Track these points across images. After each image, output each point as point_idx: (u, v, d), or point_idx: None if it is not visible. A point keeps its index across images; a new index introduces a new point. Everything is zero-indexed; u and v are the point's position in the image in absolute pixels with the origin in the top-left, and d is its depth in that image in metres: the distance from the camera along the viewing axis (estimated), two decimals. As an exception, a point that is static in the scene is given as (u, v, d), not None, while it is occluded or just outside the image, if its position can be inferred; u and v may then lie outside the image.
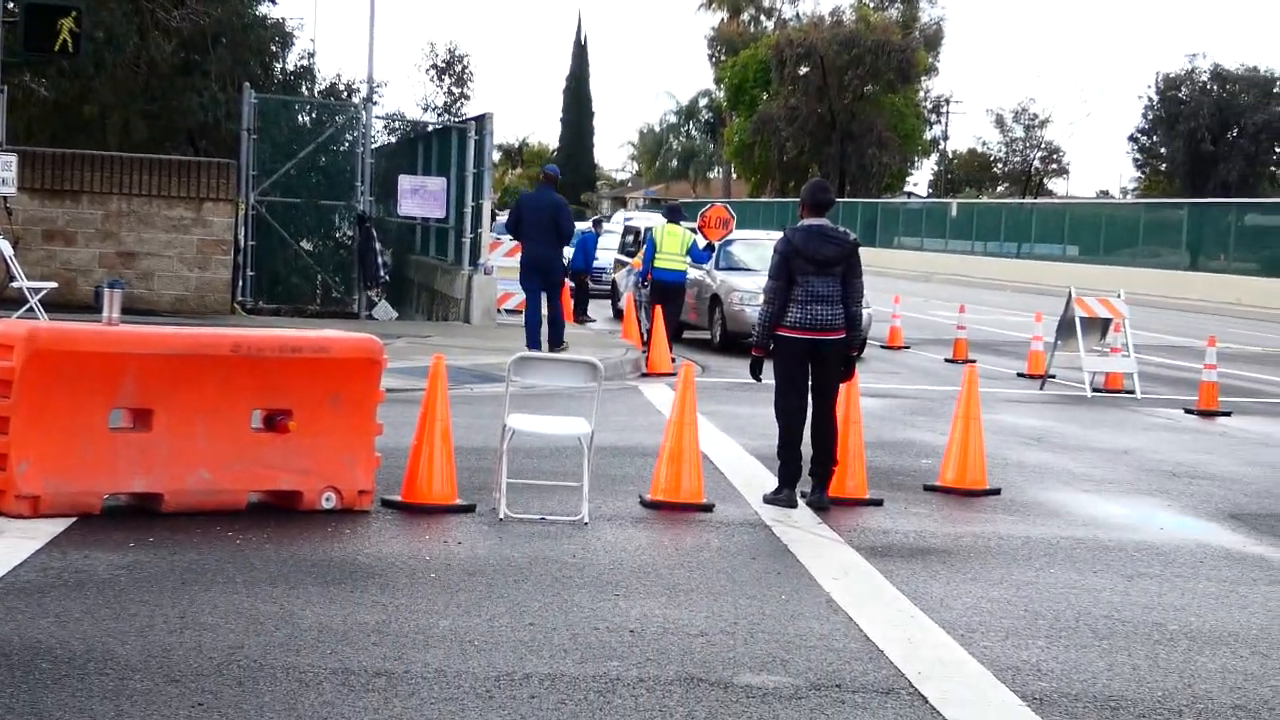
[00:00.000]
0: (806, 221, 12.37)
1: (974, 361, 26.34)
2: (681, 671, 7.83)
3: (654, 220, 32.64)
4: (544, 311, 22.73)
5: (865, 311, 12.40)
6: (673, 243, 24.79)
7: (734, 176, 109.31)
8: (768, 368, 12.58)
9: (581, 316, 32.67)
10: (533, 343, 22.34)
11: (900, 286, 48.26)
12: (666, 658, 8.06)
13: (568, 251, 27.14)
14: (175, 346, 10.88)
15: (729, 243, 29.05)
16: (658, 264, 24.76)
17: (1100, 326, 22.94)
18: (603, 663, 7.91)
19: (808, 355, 12.26)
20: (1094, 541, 11.73)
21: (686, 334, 27.62)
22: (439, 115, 46.11)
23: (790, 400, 12.34)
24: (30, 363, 10.29)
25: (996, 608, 9.52)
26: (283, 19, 36.11)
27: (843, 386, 12.56)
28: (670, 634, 8.51)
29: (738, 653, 8.22)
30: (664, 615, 8.90)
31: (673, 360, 23.16)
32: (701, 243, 26.87)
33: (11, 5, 18.24)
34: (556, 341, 22.57)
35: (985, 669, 8.14)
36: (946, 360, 26.88)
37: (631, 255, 32.32)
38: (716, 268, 27.85)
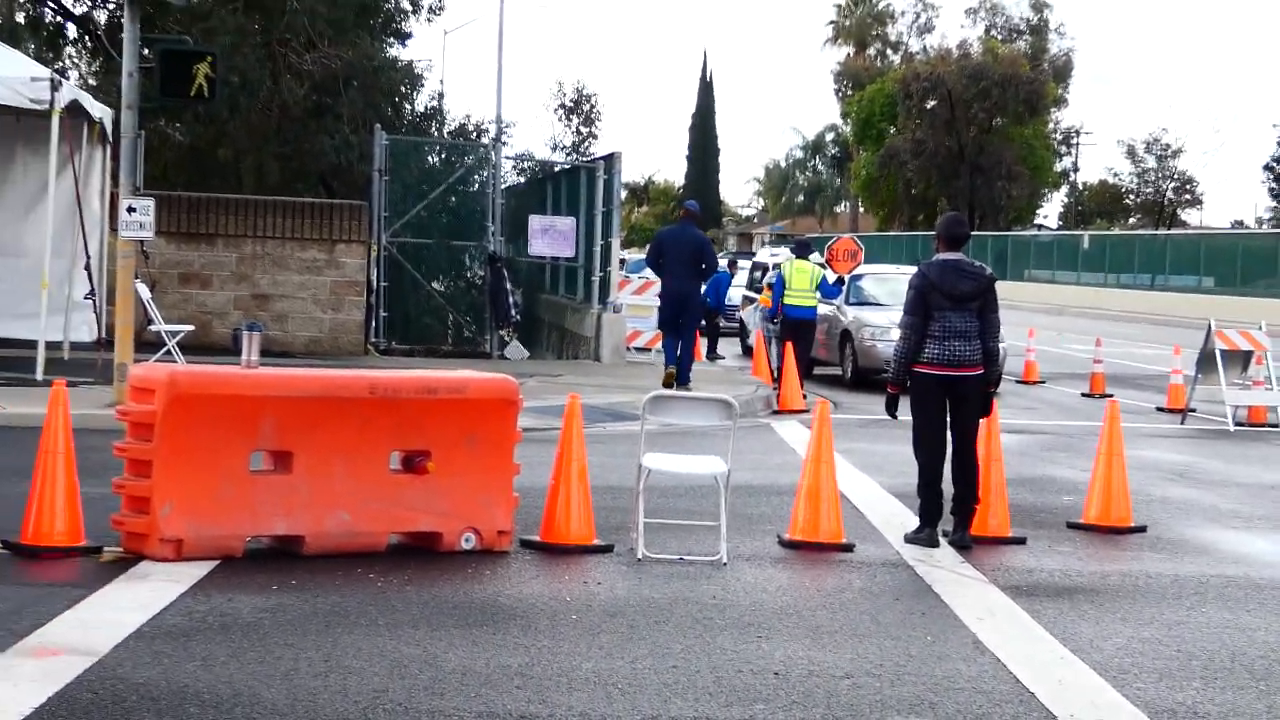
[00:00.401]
0: (942, 256, 12.22)
1: (1112, 396, 26.05)
2: (828, 715, 7.70)
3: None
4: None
5: (1001, 346, 12.20)
6: (802, 279, 24.69)
7: (861, 210, 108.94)
8: (904, 405, 12.43)
9: (712, 354, 32.61)
10: (670, 359, 22.88)
11: (1033, 320, 47.74)
12: (812, 700, 7.94)
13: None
14: (313, 388, 10.92)
15: (859, 277, 28.93)
16: (787, 300, 24.66)
17: (1242, 359, 22.56)
18: (748, 706, 7.80)
19: (945, 392, 12.10)
20: (1245, 580, 11.47)
21: (817, 370, 27.45)
22: (567, 155, 46.27)
23: (929, 438, 12.18)
24: (172, 407, 10.36)
25: (1148, 648, 9.30)
26: (412, 61, 36.41)
27: (983, 423, 12.38)
28: (815, 676, 8.39)
29: (884, 695, 8.09)
30: (808, 657, 8.78)
31: (804, 397, 23.05)
32: (831, 277, 26.75)
33: (147, 52, 18.49)
34: (683, 380, 22.73)
35: (1140, 712, 7.94)
36: (1083, 395, 26.52)
37: (759, 291, 32.21)
38: (847, 303, 27.70)
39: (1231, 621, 10.09)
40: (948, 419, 12.19)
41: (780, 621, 9.66)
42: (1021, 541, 12.55)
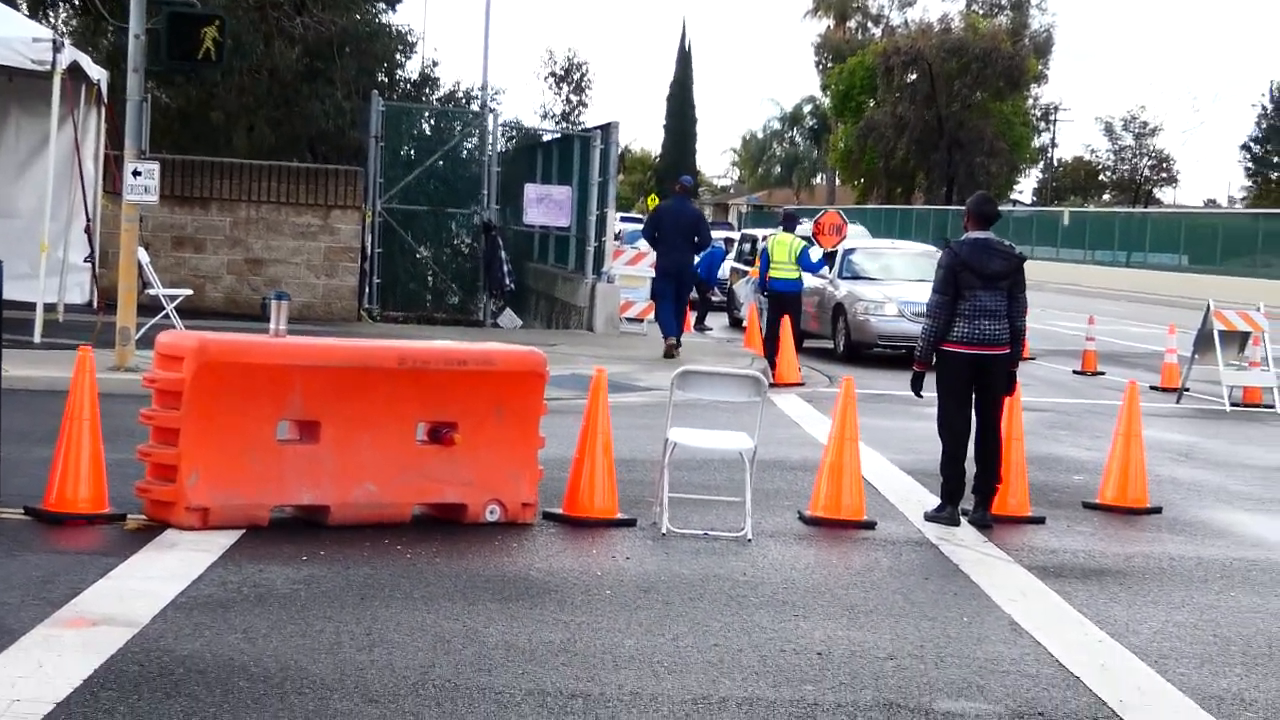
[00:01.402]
0: (973, 235, 12.14)
1: (1103, 373, 26.08)
2: (879, 697, 7.67)
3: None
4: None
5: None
6: (781, 251, 24.66)
7: (838, 183, 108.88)
8: (929, 383, 12.39)
9: (700, 326, 32.55)
10: (669, 329, 23.72)
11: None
12: (860, 682, 7.91)
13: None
14: (342, 359, 10.85)
15: (851, 251, 28.91)
16: (772, 274, 24.65)
17: (1239, 340, 22.57)
18: (797, 686, 7.77)
19: (973, 371, 12.05)
20: (1268, 563, 11.47)
21: (807, 343, 27.40)
22: (557, 123, 46.12)
23: (955, 417, 12.14)
24: (200, 374, 10.27)
25: (1184, 632, 9.29)
26: (407, 26, 36.19)
27: (1005, 402, 12.35)
28: (859, 657, 8.36)
29: (931, 677, 8.05)
30: (848, 637, 8.75)
31: (799, 370, 23.02)
32: (815, 252, 26.66)
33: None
34: (678, 336, 23.84)
35: (1188, 698, 7.93)
36: (1075, 372, 26.51)
37: (749, 264, 32.16)
38: (840, 276, 27.65)
39: (1262, 606, 10.09)
40: (973, 398, 12.14)
41: (815, 600, 9.62)
42: (1041, 521, 12.53)
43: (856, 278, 27.65)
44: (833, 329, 27.37)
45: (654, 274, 24.97)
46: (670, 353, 23.24)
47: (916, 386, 12.48)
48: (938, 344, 12.06)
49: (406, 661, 7.77)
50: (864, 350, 26.68)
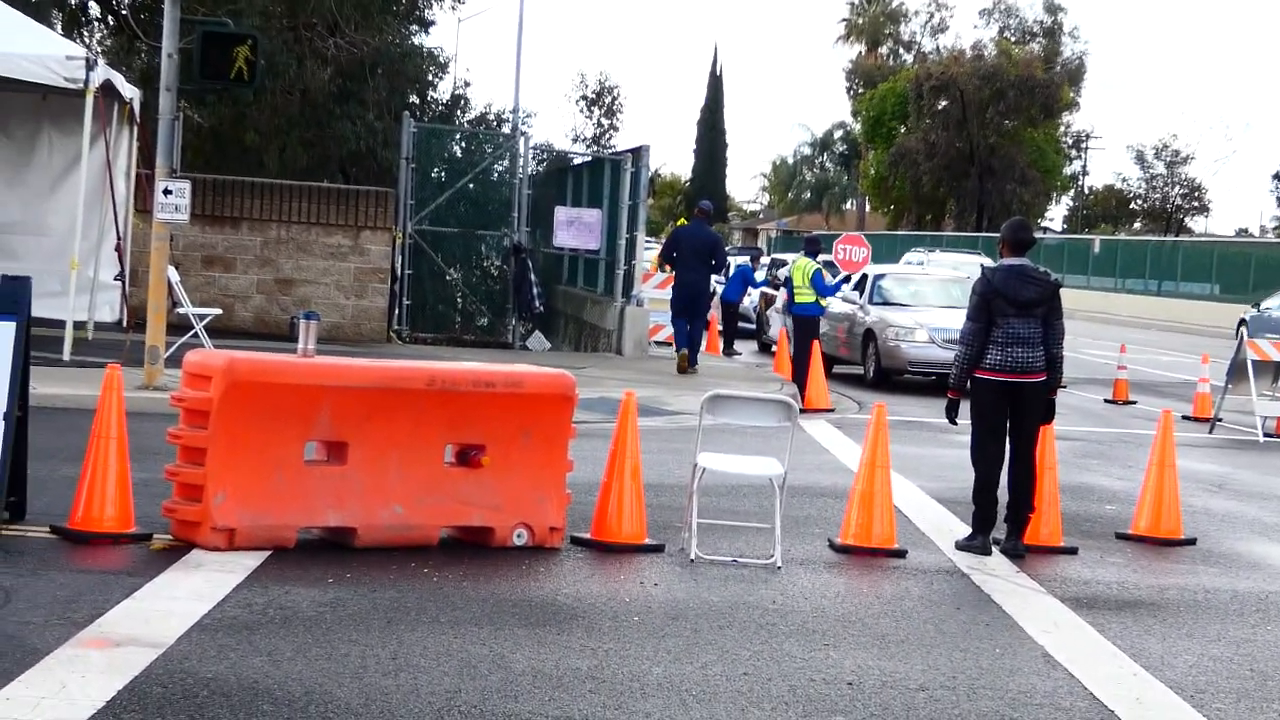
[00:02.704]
0: (1008, 261, 12.04)
1: (1135, 403, 25.92)
2: (909, 728, 7.57)
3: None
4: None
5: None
6: (799, 276, 24.67)
7: (869, 209, 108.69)
8: (963, 410, 12.27)
9: (729, 350, 32.44)
10: (681, 342, 24.90)
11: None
12: (891, 713, 7.81)
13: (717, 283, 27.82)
14: (371, 380, 10.77)
15: (881, 277, 28.75)
16: (796, 299, 24.65)
17: (1272, 370, 22.41)
18: (828, 717, 7.67)
19: (1007, 399, 11.94)
20: (1305, 597, 11.34)
21: (837, 369, 27.30)
22: (588, 146, 46.13)
23: (988, 445, 12.02)
24: (228, 394, 10.21)
25: (1221, 667, 9.17)
26: (439, 48, 36.24)
27: (1042, 431, 12.23)
28: (890, 688, 8.25)
29: (963, 709, 7.95)
30: (879, 668, 8.64)
31: (829, 395, 22.90)
32: (829, 277, 26.46)
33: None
34: (692, 362, 24.61)
35: (1224, 733, 7.81)
36: (1106, 401, 26.35)
37: (778, 287, 32.05)
38: (870, 302, 27.48)
39: (1299, 640, 9.96)
40: (1007, 426, 12.03)
41: (844, 629, 9.52)
42: (1073, 551, 12.40)
43: (887, 303, 27.49)
44: (863, 355, 27.20)
45: (671, 294, 25.83)
46: (684, 366, 24.41)
47: (952, 414, 12.35)
48: (971, 371, 11.96)
49: (432, 687, 7.69)
50: (894, 376, 26.50)
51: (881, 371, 26.49)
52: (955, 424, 12.46)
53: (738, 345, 33.78)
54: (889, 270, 30.63)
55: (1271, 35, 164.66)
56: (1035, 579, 11.33)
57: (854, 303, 27.38)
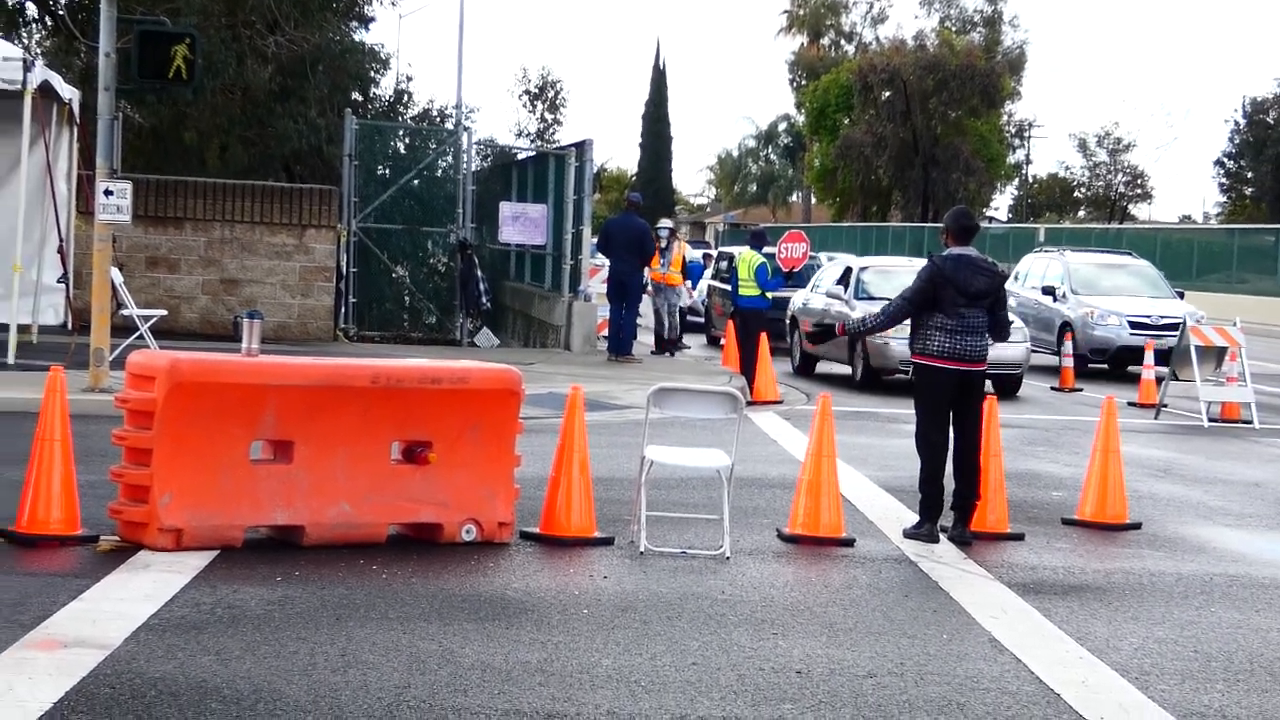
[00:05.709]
0: (955, 250, 12.09)
1: (1081, 390, 26.07)
2: (857, 715, 7.61)
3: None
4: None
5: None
6: (744, 269, 24.60)
7: (814, 201, 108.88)
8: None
9: (678, 344, 32.43)
10: (611, 343, 25.83)
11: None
12: (839, 700, 7.85)
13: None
14: (315, 377, 10.76)
15: (865, 270, 27.68)
16: (741, 292, 24.61)
17: (1216, 355, 22.58)
18: (776, 705, 7.70)
19: (956, 387, 12.01)
20: (1248, 579, 11.42)
21: (822, 368, 26.88)
22: (532, 141, 46.09)
23: (935, 433, 12.08)
24: (172, 394, 10.18)
25: (1165, 649, 9.24)
26: (380, 45, 36.14)
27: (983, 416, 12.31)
28: (838, 675, 8.29)
29: (910, 696, 7.99)
30: (828, 656, 8.68)
31: (777, 387, 22.90)
32: (772, 269, 26.15)
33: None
34: (624, 350, 25.51)
35: (1169, 714, 7.87)
36: (1053, 389, 26.49)
37: (727, 282, 32.04)
38: (855, 298, 26.44)
39: (1242, 622, 10.04)
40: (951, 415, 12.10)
41: (793, 618, 9.56)
42: (1020, 538, 12.48)
43: (872, 299, 25.20)
44: (850, 354, 25.54)
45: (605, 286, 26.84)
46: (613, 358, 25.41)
47: (819, 339, 13.70)
48: (871, 333, 12.13)
49: (381, 682, 7.69)
50: (884, 376, 24.75)
51: (870, 371, 24.83)
52: (815, 346, 12.65)
53: (687, 339, 33.83)
54: (871, 263, 29.25)
55: (1209, 22, 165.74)
56: (982, 565, 11.39)
57: (838, 298, 26.38)
